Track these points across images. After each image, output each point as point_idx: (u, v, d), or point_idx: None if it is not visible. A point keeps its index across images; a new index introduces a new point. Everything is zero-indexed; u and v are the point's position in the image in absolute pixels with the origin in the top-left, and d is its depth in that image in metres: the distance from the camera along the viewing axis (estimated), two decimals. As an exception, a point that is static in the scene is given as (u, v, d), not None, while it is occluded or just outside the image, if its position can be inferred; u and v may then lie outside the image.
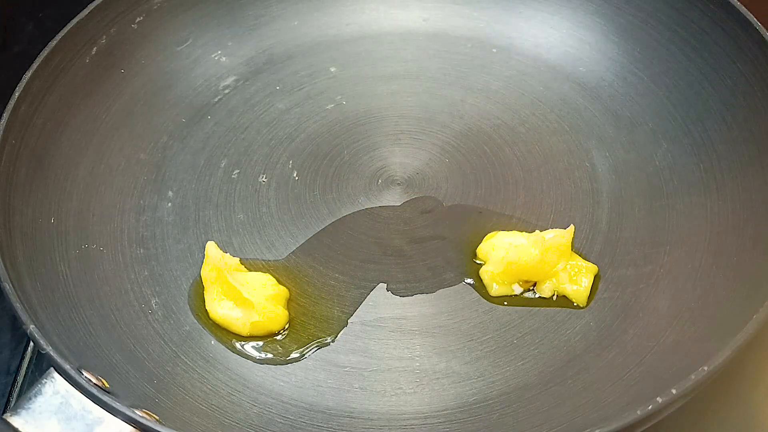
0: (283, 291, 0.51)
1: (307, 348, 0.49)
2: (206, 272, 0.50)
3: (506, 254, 0.50)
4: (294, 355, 0.49)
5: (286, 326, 0.50)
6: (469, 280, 0.52)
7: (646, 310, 0.49)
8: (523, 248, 0.50)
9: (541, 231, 0.51)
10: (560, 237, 0.50)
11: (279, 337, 0.50)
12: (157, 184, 0.57)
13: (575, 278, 0.50)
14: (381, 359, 0.49)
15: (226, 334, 0.50)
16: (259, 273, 0.52)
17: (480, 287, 0.51)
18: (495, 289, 0.50)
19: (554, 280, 0.50)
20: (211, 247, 0.51)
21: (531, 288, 0.51)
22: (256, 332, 0.49)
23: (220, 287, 0.49)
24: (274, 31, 0.64)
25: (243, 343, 0.49)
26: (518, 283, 0.51)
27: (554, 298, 0.50)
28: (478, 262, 0.52)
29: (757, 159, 0.50)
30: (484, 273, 0.51)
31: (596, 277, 0.51)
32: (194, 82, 0.62)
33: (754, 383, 0.51)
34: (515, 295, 0.50)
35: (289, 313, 0.50)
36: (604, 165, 0.57)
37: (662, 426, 0.42)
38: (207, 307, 0.50)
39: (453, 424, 0.46)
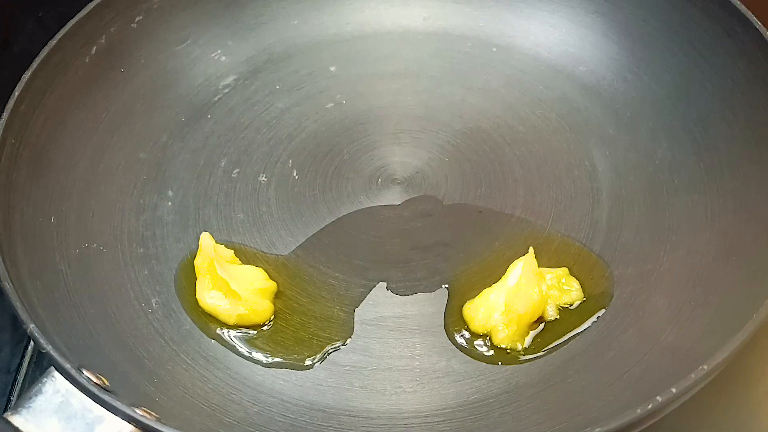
0: (271, 285, 0.51)
1: (322, 354, 0.49)
2: (199, 262, 0.51)
3: (508, 310, 0.48)
4: (308, 362, 0.49)
5: (272, 318, 0.50)
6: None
7: (645, 309, 0.49)
8: (522, 295, 0.48)
9: (507, 264, 0.50)
10: (531, 263, 0.49)
11: (265, 328, 0.50)
12: (157, 183, 0.57)
13: (563, 287, 0.50)
14: (381, 358, 0.49)
15: (221, 329, 0.50)
16: (251, 266, 0.52)
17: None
18: (523, 344, 0.48)
19: (549, 301, 0.49)
20: (205, 238, 0.52)
21: (543, 321, 0.49)
22: (242, 323, 0.50)
23: (210, 277, 0.50)
24: (274, 30, 0.64)
25: (244, 343, 0.50)
26: (529, 326, 0.49)
27: (559, 315, 0.49)
28: (476, 340, 0.49)
29: (758, 158, 0.50)
30: (504, 341, 0.48)
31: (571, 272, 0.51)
32: (194, 81, 0.62)
33: (754, 383, 0.51)
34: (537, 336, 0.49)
35: (277, 307, 0.51)
36: (604, 164, 0.57)
37: (662, 426, 0.42)
38: (197, 296, 0.50)
39: (453, 423, 0.46)
